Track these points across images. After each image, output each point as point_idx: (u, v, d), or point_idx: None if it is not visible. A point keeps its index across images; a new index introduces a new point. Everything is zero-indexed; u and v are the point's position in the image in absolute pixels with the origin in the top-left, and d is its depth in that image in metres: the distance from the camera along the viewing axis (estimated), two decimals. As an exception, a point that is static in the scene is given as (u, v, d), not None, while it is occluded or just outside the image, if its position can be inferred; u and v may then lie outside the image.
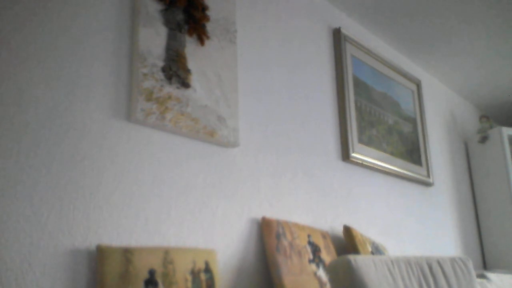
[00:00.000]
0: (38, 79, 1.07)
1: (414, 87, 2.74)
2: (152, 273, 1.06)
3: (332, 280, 1.09)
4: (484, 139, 3.09)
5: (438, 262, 1.37)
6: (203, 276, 1.19)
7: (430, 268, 1.33)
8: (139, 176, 1.21)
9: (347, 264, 1.07)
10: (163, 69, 1.30)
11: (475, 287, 1.46)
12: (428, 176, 2.60)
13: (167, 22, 1.36)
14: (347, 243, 1.71)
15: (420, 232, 2.43)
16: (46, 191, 1.02)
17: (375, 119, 2.30)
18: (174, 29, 1.37)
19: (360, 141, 2.12)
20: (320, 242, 1.59)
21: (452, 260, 1.44)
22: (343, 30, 2.20)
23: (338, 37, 2.18)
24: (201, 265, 1.20)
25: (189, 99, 1.36)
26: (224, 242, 1.39)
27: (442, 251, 2.56)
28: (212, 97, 1.43)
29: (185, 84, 1.35)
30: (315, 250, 1.54)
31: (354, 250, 1.66)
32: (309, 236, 1.56)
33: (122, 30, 1.28)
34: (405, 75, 2.66)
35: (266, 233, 1.44)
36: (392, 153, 2.34)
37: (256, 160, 1.59)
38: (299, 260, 1.44)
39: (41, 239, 0.99)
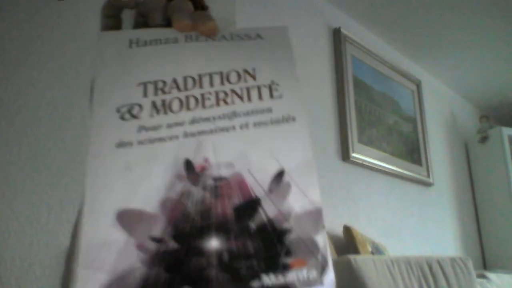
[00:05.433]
0: (38, 79, 1.07)
1: (414, 87, 2.74)
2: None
3: (332, 280, 1.09)
4: (484, 139, 3.08)
5: (438, 262, 1.37)
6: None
7: (430, 268, 1.33)
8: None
9: (347, 264, 1.07)
10: (163, 69, 1.30)
11: (475, 287, 1.46)
12: (428, 176, 2.60)
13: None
14: (347, 243, 1.71)
15: (420, 232, 2.43)
16: (46, 191, 1.02)
17: (375, 119, 2.30)
18: (174, 29, 1.37)
19: (360, 141, 2.12)
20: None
21: (452, 260, 1.44)
22: (343, 30, 2.20)
23: (338, 37, 2.18)
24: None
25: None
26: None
27: (442, 251, 2.55)
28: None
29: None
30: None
31: (354, 250, 1.66)
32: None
33: (122, 30, 1.28)
34: (405, 75, 2.66)
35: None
36: (392, 153, 2.34)
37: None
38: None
39: (41, 239, 0.99)
